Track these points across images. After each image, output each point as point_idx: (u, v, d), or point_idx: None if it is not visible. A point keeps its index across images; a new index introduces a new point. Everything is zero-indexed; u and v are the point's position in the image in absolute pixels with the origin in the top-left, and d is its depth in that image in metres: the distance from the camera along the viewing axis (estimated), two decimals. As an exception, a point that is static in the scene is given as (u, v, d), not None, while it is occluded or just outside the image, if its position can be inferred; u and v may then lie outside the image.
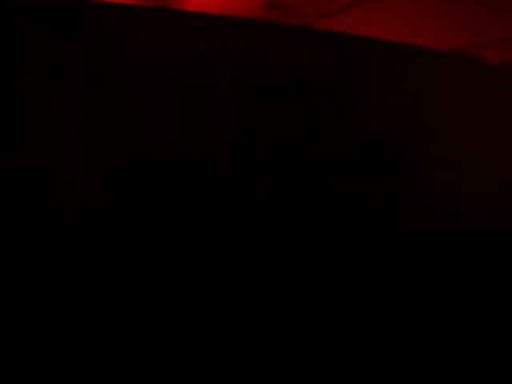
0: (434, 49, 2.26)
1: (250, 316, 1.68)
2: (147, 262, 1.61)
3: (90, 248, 1.55)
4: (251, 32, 1.79)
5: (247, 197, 1.75)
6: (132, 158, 1.64)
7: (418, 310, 1.86)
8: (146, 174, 1.65)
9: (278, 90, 1.83)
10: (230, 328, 1.65)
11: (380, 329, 1.77)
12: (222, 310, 1.67)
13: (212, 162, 1.73)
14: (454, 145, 2.16)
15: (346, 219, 1.89)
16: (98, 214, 1.57)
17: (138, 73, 1.65)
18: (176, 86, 1.71)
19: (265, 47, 1.81)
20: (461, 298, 1.95)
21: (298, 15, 4.17)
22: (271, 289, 1.74)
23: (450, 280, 1.97)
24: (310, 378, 1.63)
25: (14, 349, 1.43)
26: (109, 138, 1.61)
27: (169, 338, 1.59)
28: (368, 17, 3.72)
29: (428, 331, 1.81)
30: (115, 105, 1.63)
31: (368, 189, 1.95)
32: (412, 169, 2.05)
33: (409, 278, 1.91)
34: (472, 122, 2.21)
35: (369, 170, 1.96)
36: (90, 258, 1.55)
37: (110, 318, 1.54)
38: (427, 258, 1.97)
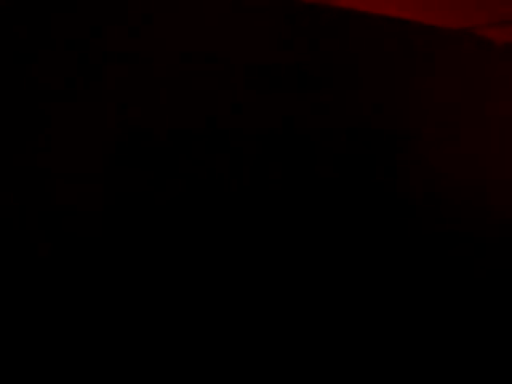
0: (443, 27, 2.23)
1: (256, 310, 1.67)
2: (148, 245, 1.59)
3: (88, 230, 1.53)
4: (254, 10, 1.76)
5: (250, 182, 1.73)
6: (133, 133, 1.61)
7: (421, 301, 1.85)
8: (147, 150, 1.62)
9: (280, 73, 1.80)
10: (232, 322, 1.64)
11: (382, 326, 1.77)
12: (223, 301, 1.66)
13: (217, 139, 1.70)
14: (458, 125, 2.14)
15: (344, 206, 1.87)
16: (97, 193, 1.55)
17: (139, 47, 1.62)
18: (182, 59, 1.67)
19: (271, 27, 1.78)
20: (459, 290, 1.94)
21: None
22: (274, 283, 1.73)
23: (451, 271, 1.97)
24: (309, 377, 1.63)
25: (11, 348, 1.41)
26: (108, 112, 1.58)
27: (172, 330, 1.58)
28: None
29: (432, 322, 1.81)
30: (116, 77, 1.60)
31: (366, 175, 1.93)
32: (412, 152, 2.03)
33: (408, 271, 1.90)
34: (477, 103, 2.19)
35: (365, 155, 1.94)
36: (89, 239, 1.54)
37: (113, 303, 1.53)
38: (428, 249, 1.96)
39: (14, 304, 1.42)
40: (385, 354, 1.74)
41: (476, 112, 2.19)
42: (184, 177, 1.67)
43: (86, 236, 1.52)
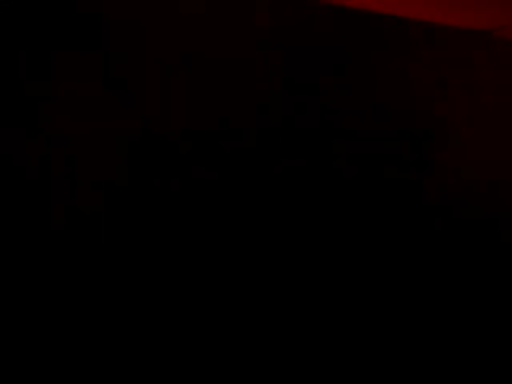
0: (463, 28, 2.22)
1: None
2: (157, 243, 1.60)
3: (93, 231, 1.54)
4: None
5: (268, 179, 1.72)
6: (146, 135, 1.62)
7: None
8: (160, 153, 1.63)
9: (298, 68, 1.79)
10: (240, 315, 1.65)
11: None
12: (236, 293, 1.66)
13: (231, 141, 1.71)
14: (479, 123, 2.13)
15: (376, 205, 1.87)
16: (110, 191, 1.56)
17: (156, 53, 1.63)
18: (193, 64, 1.68)
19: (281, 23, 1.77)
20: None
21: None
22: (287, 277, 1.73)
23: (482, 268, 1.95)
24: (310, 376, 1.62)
25: (15, 344, 1.42)
26: (124, 115, 1.59)
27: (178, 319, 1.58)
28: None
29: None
30: (133, 81, 1.61)
31: (393, 174, 1.92)
32: (438, 151, 2.02)
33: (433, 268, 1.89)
34: (497, 99, 2.17)
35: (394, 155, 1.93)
36: (94, 240, 1.54)
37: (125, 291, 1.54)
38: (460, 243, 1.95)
39: (14, 303, 1.43)
40: (386, 352, 1.74)
41: (492, 114, 2.18)
42: (193, 177, 1.68)
43: (91, 236, 1.53)
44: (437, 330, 1.84)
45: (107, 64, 1.59)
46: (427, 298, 1.86)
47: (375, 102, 1.96)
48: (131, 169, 1.61)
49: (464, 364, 1.77)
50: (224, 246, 1.66)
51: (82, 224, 1.54)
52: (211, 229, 1.67)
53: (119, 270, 1.56)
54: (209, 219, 1.67)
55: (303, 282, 1.75)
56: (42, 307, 1.48)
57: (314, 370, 1.65)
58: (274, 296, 1.70)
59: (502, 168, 2.16)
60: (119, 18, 1.60)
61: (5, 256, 1.44)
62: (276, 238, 1.74)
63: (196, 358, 1.58)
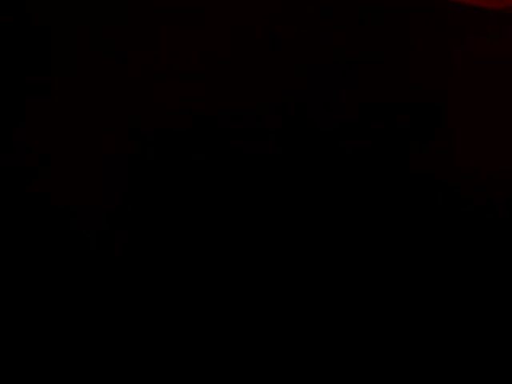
0: (487, 8, 2.20)
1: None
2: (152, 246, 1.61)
3: (90, 230, 1.55)
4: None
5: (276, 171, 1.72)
6: (146, 135, 1.62)
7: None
8: (161, 153, 1.63)
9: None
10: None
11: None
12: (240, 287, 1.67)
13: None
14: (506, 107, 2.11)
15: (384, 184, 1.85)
16: (110, 191, 1.57)
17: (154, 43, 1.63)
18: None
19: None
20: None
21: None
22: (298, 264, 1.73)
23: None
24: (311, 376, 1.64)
25: (15, 344, 1.44)
26: (124, 114, 1.59)
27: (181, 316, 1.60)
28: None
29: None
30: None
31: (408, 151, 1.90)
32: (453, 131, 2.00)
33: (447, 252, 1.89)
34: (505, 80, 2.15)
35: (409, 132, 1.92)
36: (91, 239, 1.55)
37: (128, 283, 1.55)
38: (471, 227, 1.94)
39: (14, 303, 1.44)
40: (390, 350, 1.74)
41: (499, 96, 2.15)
42: (194, 177, 1.68)
43: (90, 236, 1.53)
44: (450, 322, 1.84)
45: (107, 64, 1.58)
46: (427, 298, 1.85)
47: (382, 95, 1.93)
48: (131, 169, 1.61)
49: (468, 364, 1.77)
50: (226, 246, 1.66)
51: (82, 224, 1.55)
52: (212, 229, 1.67)
53: (119, 269, 1.57)
54: (210, 219, 1.67)
55: (311, 278, 1.75)
56: (42, 307, 1.49)
57: (314, 370, 1.66)
58: (279, 293, 1.70)
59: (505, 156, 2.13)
60: (120, 17, 1.58)
61: (4, 256, 1.45)
62: (283, 234, 1.74)
63: (196, 356, 1.59)
